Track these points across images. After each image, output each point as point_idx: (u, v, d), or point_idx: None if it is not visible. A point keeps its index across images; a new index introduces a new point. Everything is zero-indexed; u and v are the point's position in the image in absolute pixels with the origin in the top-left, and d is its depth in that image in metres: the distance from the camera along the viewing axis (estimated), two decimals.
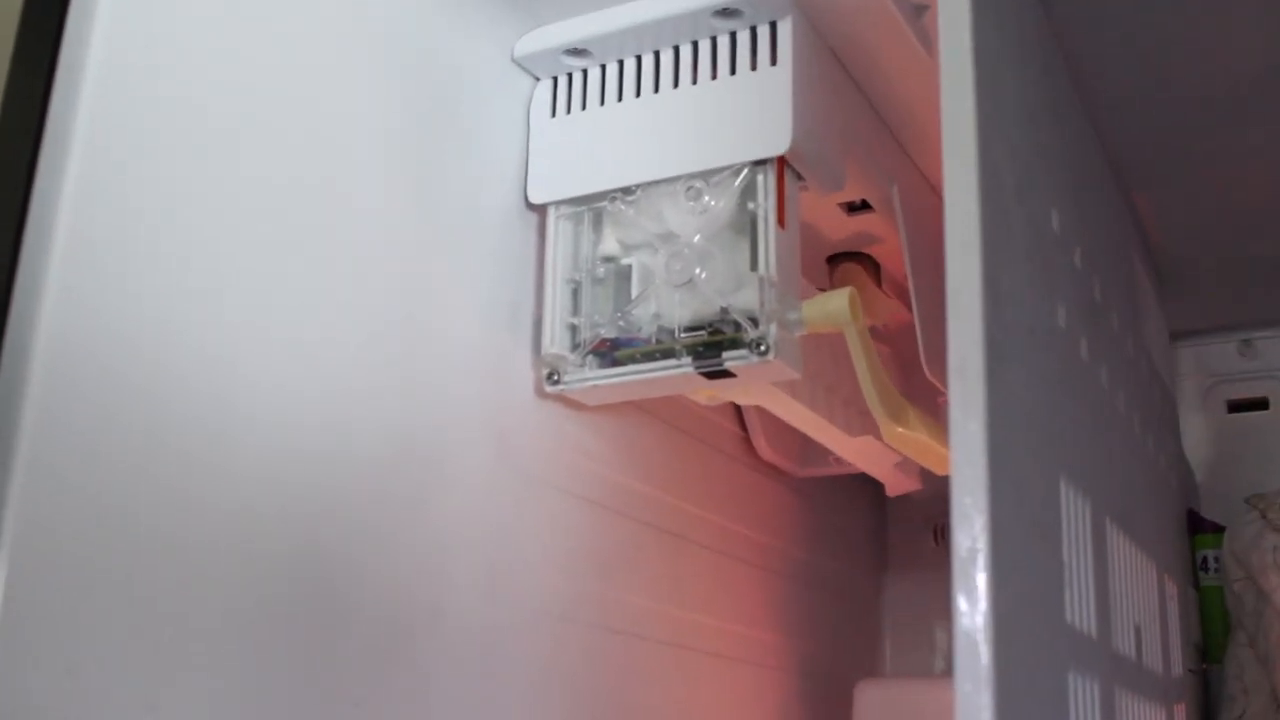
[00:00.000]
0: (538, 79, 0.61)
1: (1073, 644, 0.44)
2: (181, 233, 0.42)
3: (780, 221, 0.54)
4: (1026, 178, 0.44)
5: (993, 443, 0.36)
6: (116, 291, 0.40)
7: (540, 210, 0.60)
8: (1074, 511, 0.46)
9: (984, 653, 0.33)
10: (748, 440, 0.78)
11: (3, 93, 0.38)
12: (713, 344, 0.54)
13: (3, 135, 0.38)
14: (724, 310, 0.54)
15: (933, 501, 0.97)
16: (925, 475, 0.88)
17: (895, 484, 0.79)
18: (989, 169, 0.38)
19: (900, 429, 0.57)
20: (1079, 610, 0.45)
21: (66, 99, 0.39)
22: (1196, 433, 0.89)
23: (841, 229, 0.69)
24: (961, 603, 0.34)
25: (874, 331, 0.76)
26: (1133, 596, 0.55)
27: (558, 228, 0.59)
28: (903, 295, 0.74)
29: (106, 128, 0.40)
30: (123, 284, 0.40)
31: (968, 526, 0.35)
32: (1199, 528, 0.80)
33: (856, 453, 0.74)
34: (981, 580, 0.34)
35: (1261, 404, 0.89)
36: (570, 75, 0.60)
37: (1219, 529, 0.79)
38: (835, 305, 0.53)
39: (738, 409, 0.76)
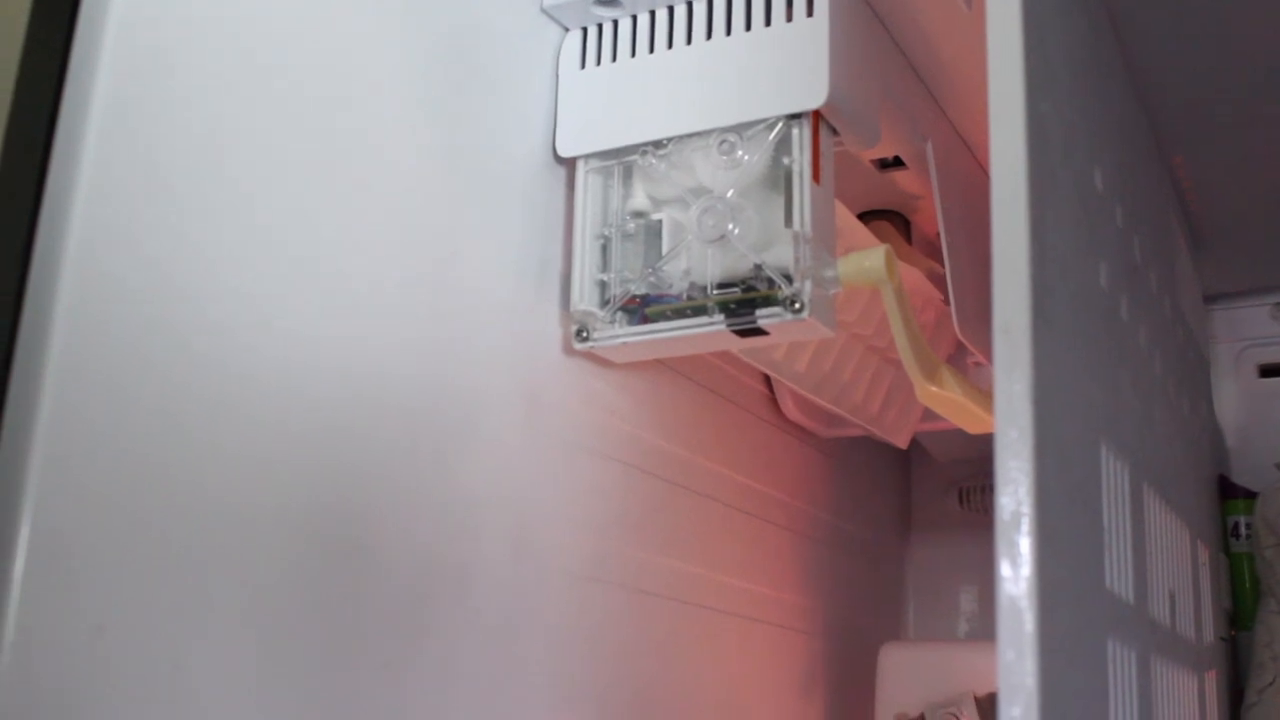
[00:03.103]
0: (567, 29, 0.60)
1: (1113, 611, 0.43)
2: (212, 183, 0.41)
3: (815, 177, 0.53)
4: (1071, 134, 0.43)
5: (1037, 404, 0.35)
6: (144, 238, 0.39)
7: (569, 164, 0.59)
8: (1114, 475, 0.45)
9: (1028, 620, 0.33)
10: (774, 400, 0.77)
11: (24, 40, 0.38)
12: (746, 301, 0.53)
13: (24, 85, 0.38)
14: (757, 267, 0.53)
15: (957, 464, 0.97)
16: (935, 440, 0.88)
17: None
18: (1036, 123, 0.37)
19: (934, 388, 0.56)
20: (1118, 576, 0.44)
21: (90, 49, 0.38)
22: (1228, 397, 0.88)
23: (873, 186, 0.68)
24: (1005, 568, 0.33)
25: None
26: (1167, 563, 0.54)
27: (587, 182, 0.58)
28: (933, 253, 0.73)
29: (131, 80, 0.39)
30: (149, 232, 0.39)
31: (1012, 490, 0.34)
32: (1230, 493, 0.79)
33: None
34: (1025, 545, 0.33)
35: None
36: (600, 26, 0.59)
37: (1250, 495, 0.78)
38: (872, 262, 0.52)
39: None
